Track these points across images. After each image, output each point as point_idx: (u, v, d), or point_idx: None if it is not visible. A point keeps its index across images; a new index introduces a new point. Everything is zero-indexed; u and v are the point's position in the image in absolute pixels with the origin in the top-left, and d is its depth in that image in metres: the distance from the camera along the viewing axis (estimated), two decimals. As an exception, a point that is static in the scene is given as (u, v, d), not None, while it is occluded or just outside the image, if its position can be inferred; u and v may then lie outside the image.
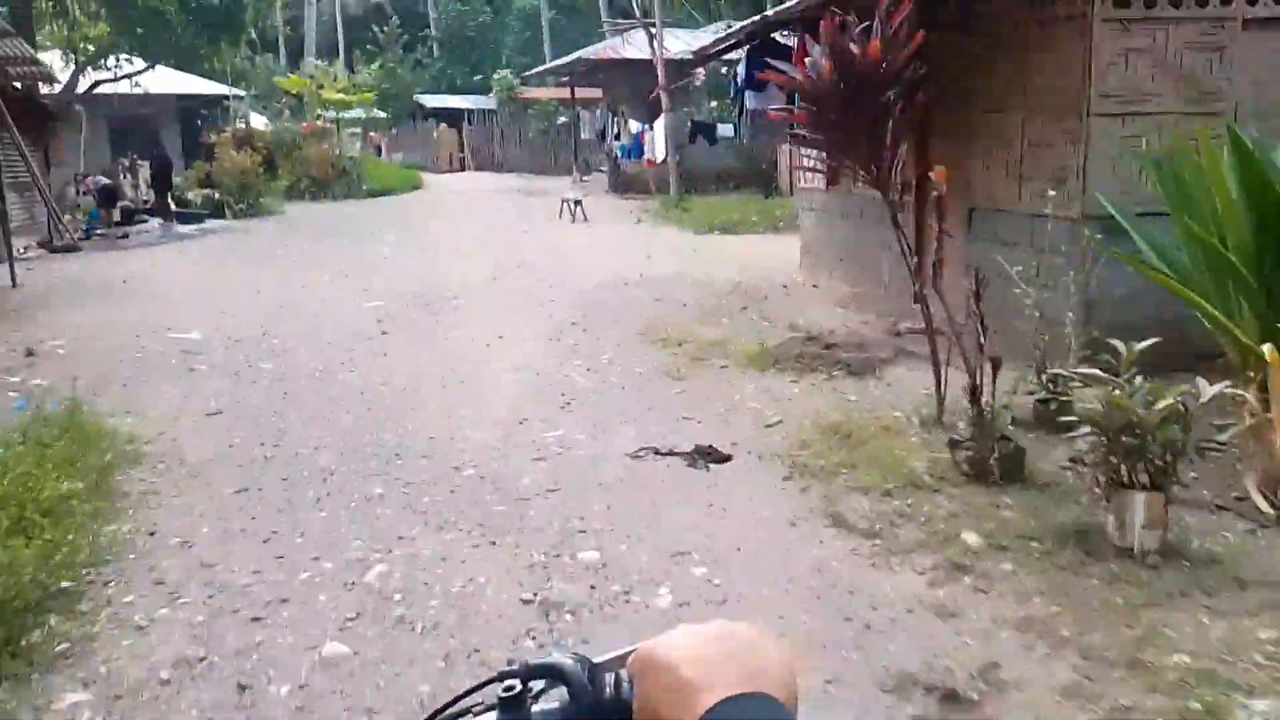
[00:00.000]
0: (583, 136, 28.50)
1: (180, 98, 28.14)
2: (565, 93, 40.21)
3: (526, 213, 20.80)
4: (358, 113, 41.44)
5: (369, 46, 41.97)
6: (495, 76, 36.36)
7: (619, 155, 23.33)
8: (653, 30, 19.03)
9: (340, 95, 26.58)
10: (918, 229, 7.79)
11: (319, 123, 27.35)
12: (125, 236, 17.60)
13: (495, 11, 50.01)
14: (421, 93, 41.05)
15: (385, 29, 40.12)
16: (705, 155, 23.74)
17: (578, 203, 18.10)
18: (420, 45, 47.12)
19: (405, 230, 18.16)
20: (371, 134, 37.99)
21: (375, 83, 29.16)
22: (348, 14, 54.07)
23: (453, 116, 37.84)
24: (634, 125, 20.96)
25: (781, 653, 0.57)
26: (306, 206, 23.69)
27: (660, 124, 19.36)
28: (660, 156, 19.60)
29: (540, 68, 30.11)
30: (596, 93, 33.96)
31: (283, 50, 46.37)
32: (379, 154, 37.55)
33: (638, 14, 22.12)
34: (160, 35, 20.31)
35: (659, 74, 18.40)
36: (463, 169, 36.69)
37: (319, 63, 30.35)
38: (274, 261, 14.11)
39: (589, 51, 24.14)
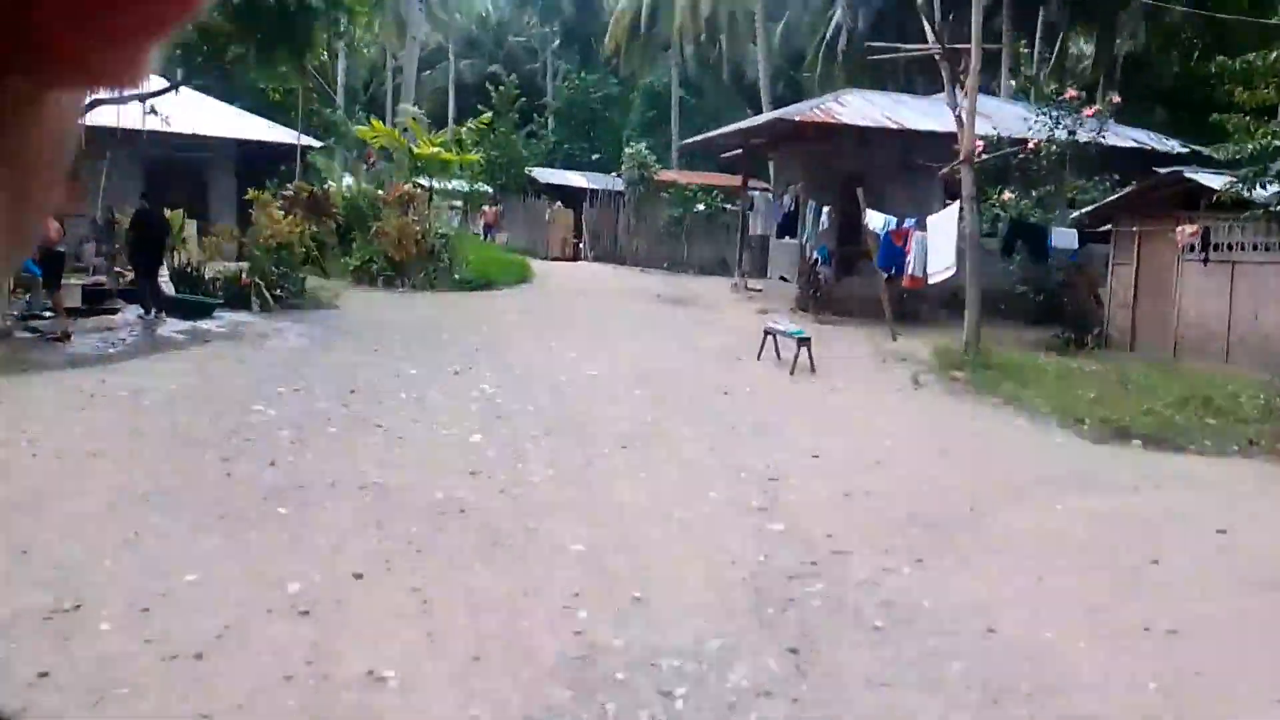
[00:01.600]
0: (754, 229, 21.07)
1: (241, 144, 21.73)
2: (713, 177, 33.39)
3: (688, 337, 13.32)
4: (459, 184, 35.22)
5: (479, 107, 35.86)
6: (627, 150, 29.55)
7: (819, 259, 15.74)
8: (938, 55, 11.39)
9: (437, 151, 19.77)
10: None
11: (407, 186, 20.49)
12: (63, 339, 10.51)
13: (620, 83, 43.88)
14: (535, 166, 34.53)
15: (501, 88, 33.86)
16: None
17: (803, 342, 10.40)
18: (536, 115, 41.04)
19: (506, 357, 10.82)
20: (486, 208, 31.39)
21: (480, 140, 22.00)
22: (461, 80, 48.78)
23: (569, 196, 31.05)
24: (874, 218, 13.30)
25: None
26: (373, 297, 16.66)
27: (944, 220, 11.56)
28: (941, 269, 11.77)
29: (711, 133, 22.89)
30: (754, 178, 26.88)
31: (389, 105, 40.87)
32: (487, 234, 30.79)
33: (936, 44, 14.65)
34: (193, 43, 13.58)
35: (960, 139, 10.63)
36: (576, 257, 29.68)
37: (413, 109, 23.72)
38: (268, 433, 6.80)
39: (791, 111, 16.88)
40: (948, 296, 15.32)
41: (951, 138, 15.24)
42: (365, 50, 22.49)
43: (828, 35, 31.97)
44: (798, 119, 15.47)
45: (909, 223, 12.97)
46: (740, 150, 20.98)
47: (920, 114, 16.76)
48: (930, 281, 12.01)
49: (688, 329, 14.09)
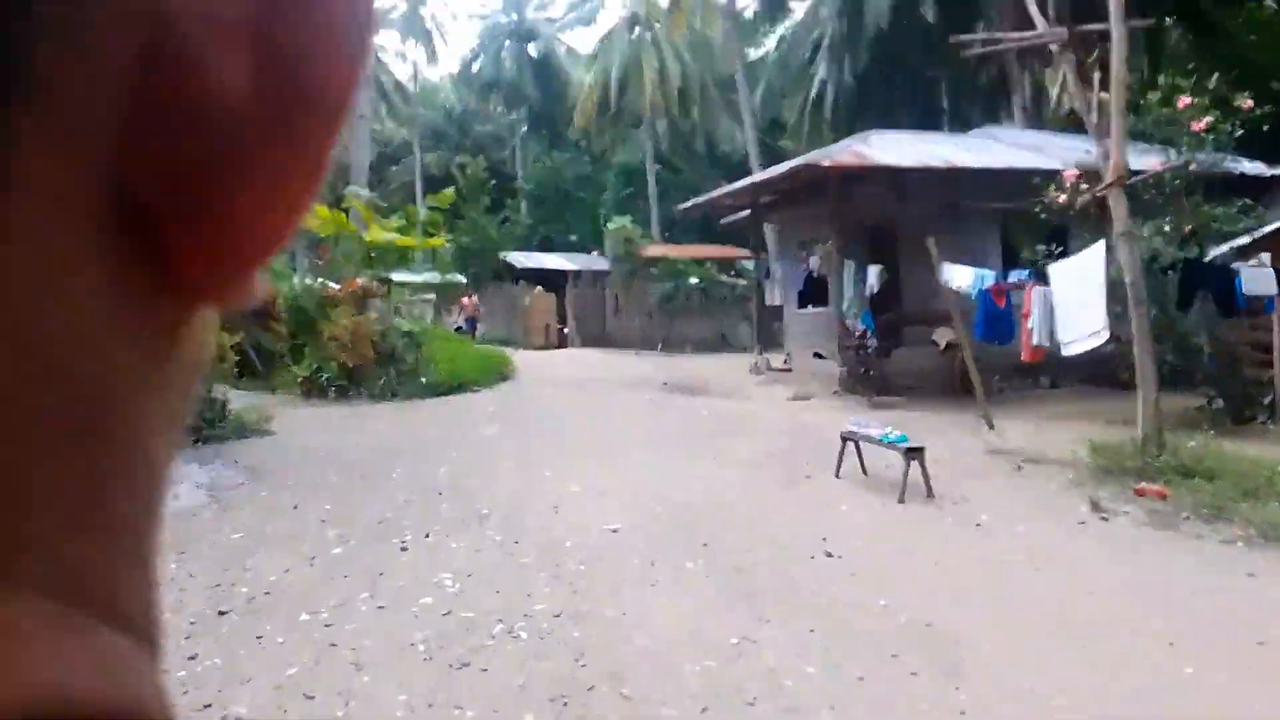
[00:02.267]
0: (771, 299, 17.90)
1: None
2: (703, 249, 30.59)
3: (722, 444, 10.00)
4: (429, 275, 32.21)
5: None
6: (610, 226, 26.67)
7: (866, 330, 12.59)
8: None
9: (393, 238, 16.63)
10: None
11: (361, 280, 17.29)
12: None
13: (593, 161, 41.46)
14: (509, 250, 31.63)
15: (468, 170, 31.14)
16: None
17: (914, 454, 7.02)
18: (508, 200, 38.40)
19: (482, 503, 7.44)
20: (465, 299, 28.12)
21: (446, 222, 18.70)
22: (428, 173, 46.31)
23: (549, 279, 28.01)
24: (958, 274, 10.16)
25: None
26: (320, 415, 13.31)
27: (1084, 267, 8.19)
28: (1086, 335, 8.35)
29: (714, 193, 19.86)
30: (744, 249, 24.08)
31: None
32: (469, 328, 27.57)
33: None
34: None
35: (1107, 154, 7.41)
36: (562, 344, 26.51)
37: (363, 192, 20.62)
38: None
39: (815, 157, 13.83)
40: (1015, 358, 12.20)
41: (1007, 175, 12.36)
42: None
43: (812, 93, 29.57)
44: (827, 163, 12.49)
45: (1017, 276, 9.88)
46: (748, 211, 18.03)
47: (961, 149, 13.88)
48: (1071, 352, 8.78)
49: (717, 431, 10.79)
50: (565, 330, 26.76)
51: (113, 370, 0.22)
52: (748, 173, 44.43)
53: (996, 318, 10.26)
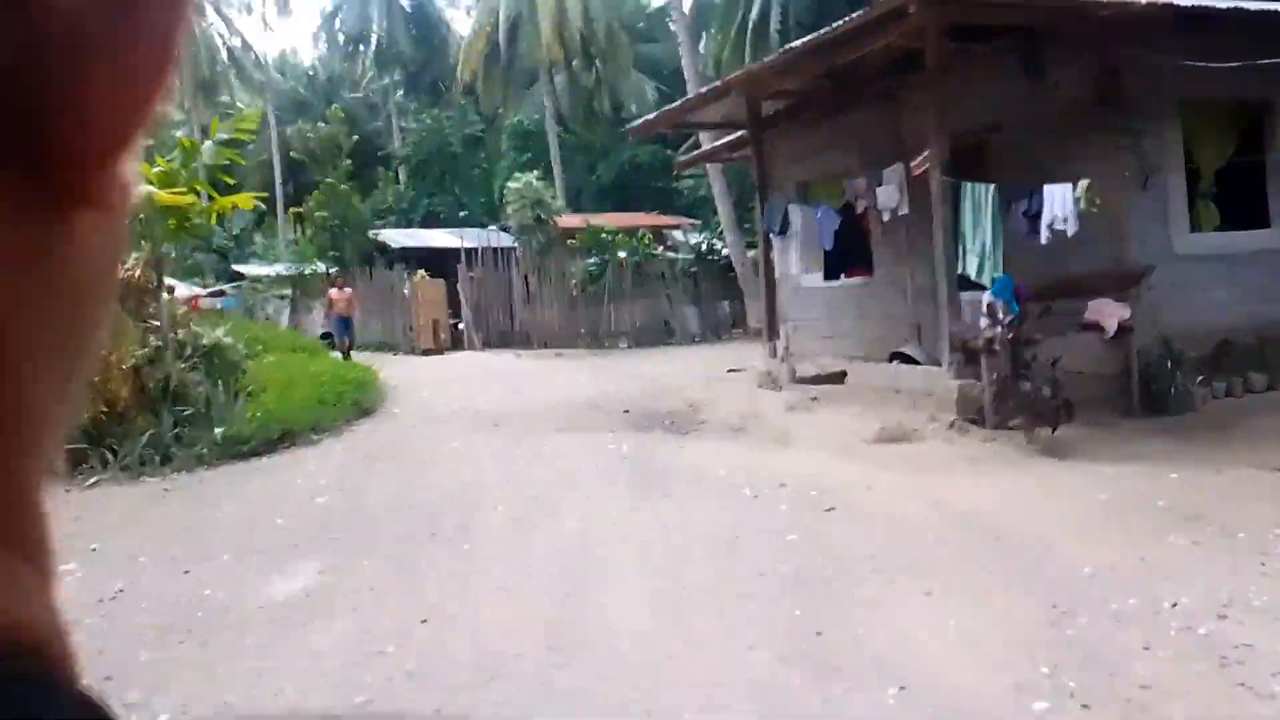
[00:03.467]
0: (785, 268, 11.65)
1: None
2: (633, 217, 24.49)
3: (864, 643, 3.95)
4: (280, 267, 25.10)
5: (319, 180, 25.35)
6: (511, 186, 20.10)
7: (1007, 310, 6.61)
8: None
9: (171, 191, 9.72)
10: None
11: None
12: None
13: (483, 121, 34.65)
14: (382, 227, 24.74)
15: (321, 123, 24.21)
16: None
17: None
18: (382, 167, 31.26)
19: None
20: (334, 291, 18.95)
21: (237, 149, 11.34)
22: (287, 151, 38.55)
23: (435, 262, 21.21)
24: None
25: None
26: None
27: None
28: None
29: (706, 89, 12.91)
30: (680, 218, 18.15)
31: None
32: (343, 331, 17.71)
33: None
34: None
35: None
36: (457, 345, 19.97)
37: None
38: None
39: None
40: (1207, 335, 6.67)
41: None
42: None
43: (753, 13, 23.42)
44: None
45: None
46: (723, 143, 11.87)
47: None
48: None
49: (816, 566, 4.71)
50: (459, 326, 20.17)
51: None
52: (661, 139, 38.28)
53: None
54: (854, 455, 7.04)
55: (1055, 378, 6.55)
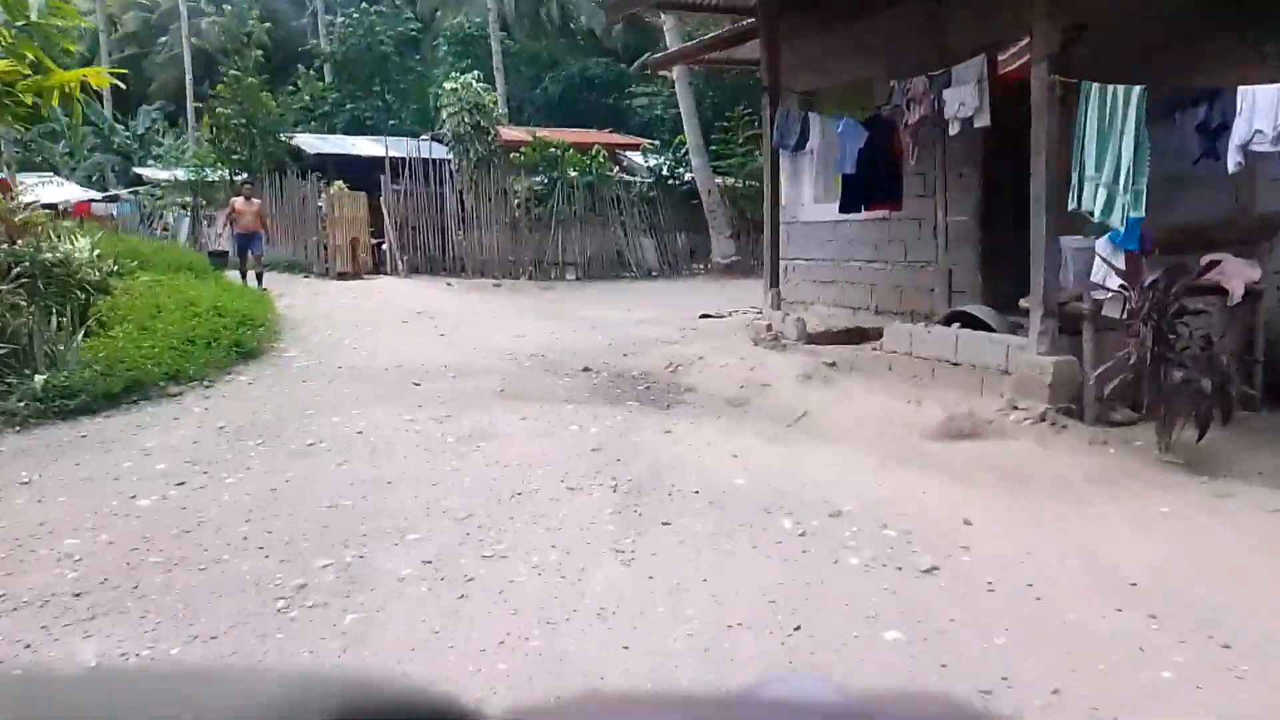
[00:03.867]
0: (793, 197, 9.38)
1: None
2: (591, 135, 21.97)
3: None
4: (181, 171, 22.01)
5: (232, 74, 21.65)
6: (447, 86, 17.29)
7: (1139, 260, 4.58)
8: None
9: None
10: None
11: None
12: None
13: (419, 23, 31.24)
14: (295, 130, 21.65)
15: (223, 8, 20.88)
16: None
17: None
18: (304, 66, 27.78)
19: None
20: (236, 201, 14.26)
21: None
22: (202, 48, 34.46)
23: (358, 173, 18.36)
24: None
25: None
26: None
27: None
28: None
29: None
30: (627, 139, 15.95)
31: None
32: (244, 249, 14.03)
33: None
34: None
35: None
36: (379, 270, 17.39)
37: None
38: None
39: None
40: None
41: None
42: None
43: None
44: None
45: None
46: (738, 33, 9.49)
47: None
48: None
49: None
50: (383, 247, 17.56)
51: None
52: (613, 53, 35.19)
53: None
54: (919, 460, 5.00)
55: (1220, 363, 4.56)
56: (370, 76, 27.91)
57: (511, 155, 17.70)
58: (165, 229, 23.57)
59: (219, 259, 15.48)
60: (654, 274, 18.15)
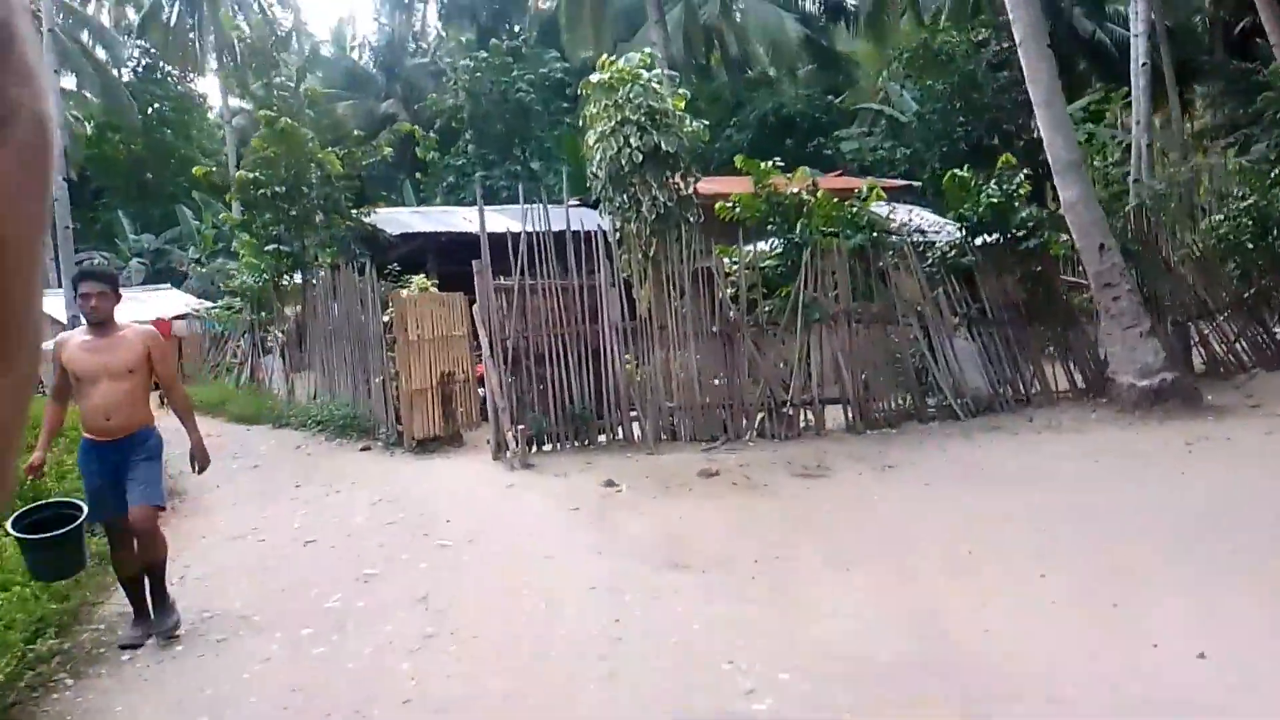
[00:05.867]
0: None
1: None
2: (825, 182, 13.55)
3: None
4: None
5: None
6: (594, 79, 9.34)
7: None
8: None
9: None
10: None
11: None
12: None
13: (575, 77, 24.09)
14: (379, 206, 14.38)
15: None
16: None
17: None
18: (425, 130, 20.93)
19: None
20: (72, 335, 3.54)
21: None
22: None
23: (462, 264, 10.49)
24: None
25: None
26: None
27: None
28: None
29: None
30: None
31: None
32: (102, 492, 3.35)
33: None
34: None
35: None
36: (473, 430, 9.23)
37: None
38: None
39: None
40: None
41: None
42: None
43: None
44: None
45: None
46: None
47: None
48: None
49: None
50: (489, 394, 9.42)
51: None
52: (822, 74, 27.00)
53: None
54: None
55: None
56: (507, 136, 20.77)
57: (714, 211, 9.41)
58: (236, 353, 16.89)
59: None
60: (977, 410, 9.21)
